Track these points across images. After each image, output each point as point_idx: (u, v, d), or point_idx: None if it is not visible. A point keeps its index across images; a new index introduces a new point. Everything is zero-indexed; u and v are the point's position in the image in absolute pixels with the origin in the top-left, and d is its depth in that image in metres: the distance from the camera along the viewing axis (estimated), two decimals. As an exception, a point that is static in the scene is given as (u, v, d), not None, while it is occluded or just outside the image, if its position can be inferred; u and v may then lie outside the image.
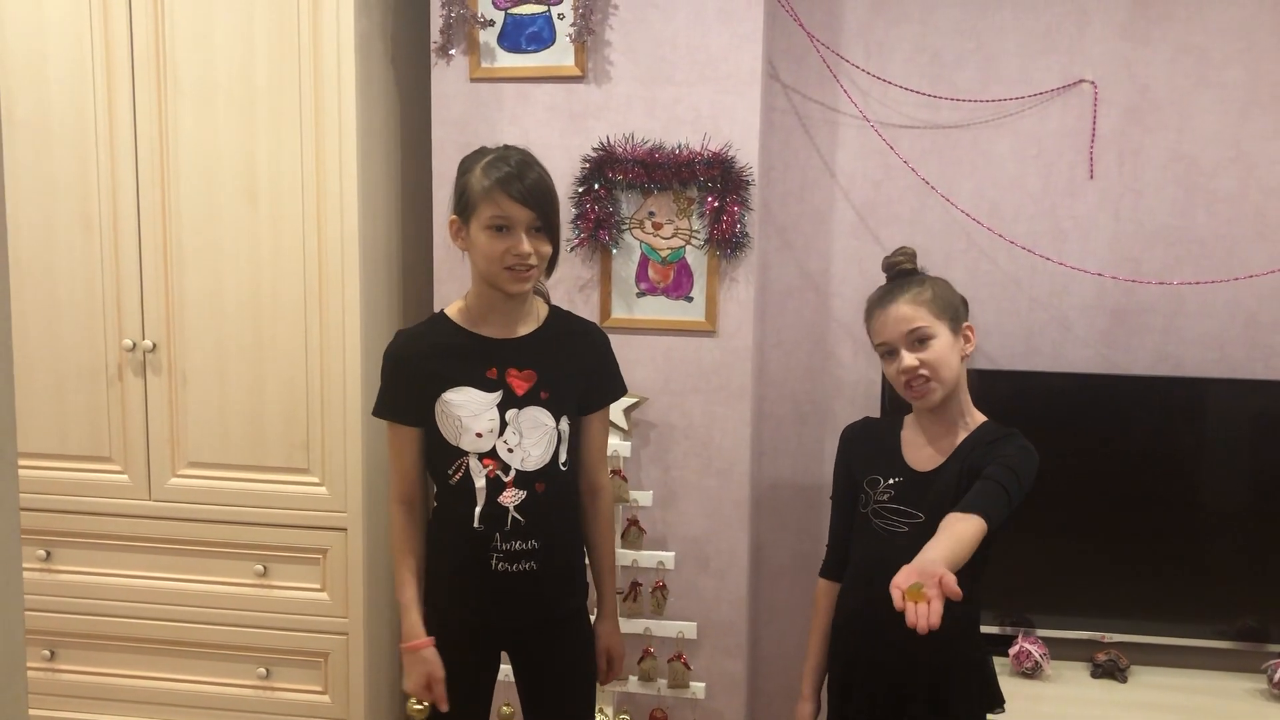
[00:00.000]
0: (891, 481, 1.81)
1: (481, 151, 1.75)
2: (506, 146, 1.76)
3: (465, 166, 1.74)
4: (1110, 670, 2.39)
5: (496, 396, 1.74)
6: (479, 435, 1.74)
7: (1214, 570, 2.35)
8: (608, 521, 1.93)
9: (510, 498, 1.75)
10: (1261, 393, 2.33)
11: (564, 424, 1.79)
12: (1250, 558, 2.34)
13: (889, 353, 1.79)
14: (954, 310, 1.79)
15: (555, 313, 1.86)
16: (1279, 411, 2.31)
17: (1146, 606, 2.38)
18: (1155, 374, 2.42)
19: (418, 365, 1.77)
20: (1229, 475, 2.36)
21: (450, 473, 1.76)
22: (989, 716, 1.86)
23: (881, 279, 2.51)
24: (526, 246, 1.68)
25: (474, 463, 1.75)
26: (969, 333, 1.80)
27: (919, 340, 1.75)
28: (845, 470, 1.92)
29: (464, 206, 1.71)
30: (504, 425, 1.74)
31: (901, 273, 1.85)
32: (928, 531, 1.73)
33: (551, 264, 1.77)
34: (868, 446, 1.89)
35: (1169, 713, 2.24)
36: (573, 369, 1.82)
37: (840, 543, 1.93)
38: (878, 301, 1.82)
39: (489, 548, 1.76)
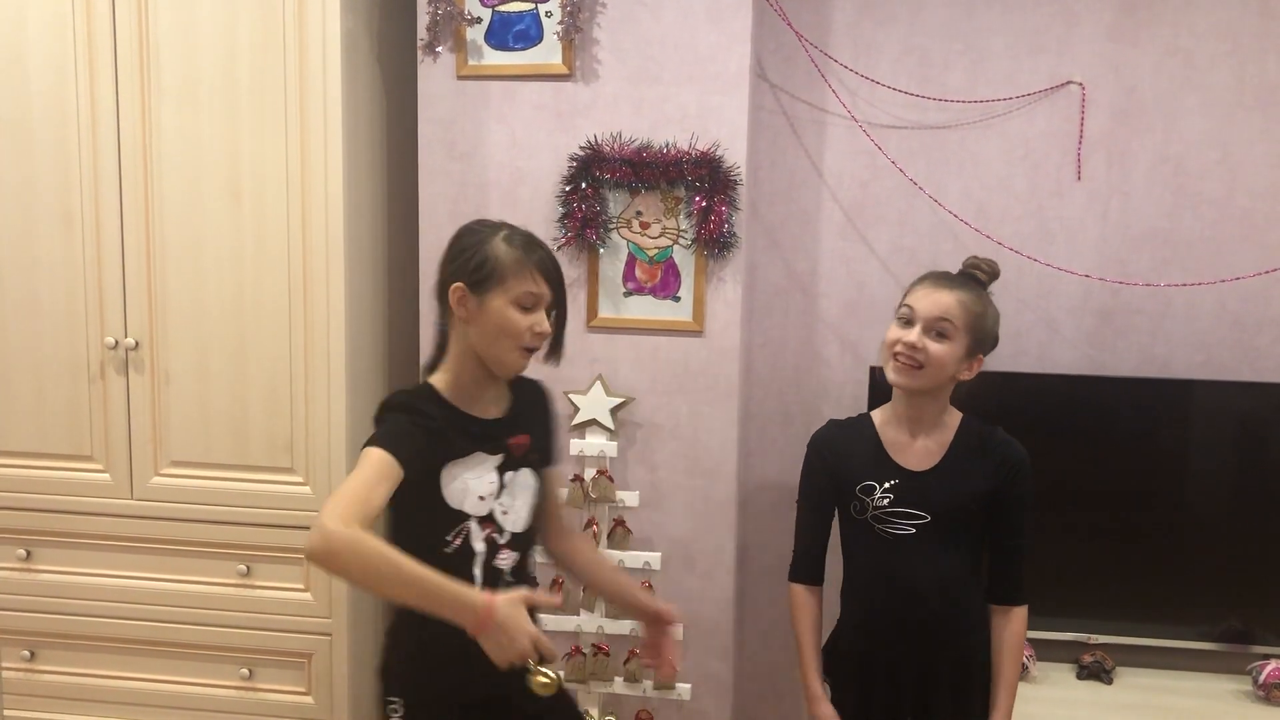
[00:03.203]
0: (888, 485, 1.83)
1: (488, 224, 1.66)
2: (510, 224, 1.68)
3: (481, 237, 1.64)
4: (1096, 672, 2.39)
5: (499, 459, 1.68)
6: (481, 499, 1.66)
7: (1199, 572, 2.36)
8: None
9: (505, 560, 1.68)
10: (1247, 394, 2.34)
11: (539, 483, 1.75)
12: (1235, 559, 2.34)
13: (906, 321, 1.80)
14: (980, 336, 1.81)
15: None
16: (1264, 413, 2.32)
17: (1132, 608, 2.38)
18: (1141, 375, 2.42)
19: (430, 427, 1.63)
20: (1215, 477, 2.36)
21: (450, 539, 1.64)
22: None
23: (868, 278, 2.54)
24: (549, 326, 1.64)
25: (474, 527, 1.66)
26: (976, 364, 1.83)
27: (938, 332, 1.77)
28: (826, 476, 1.91)
29: (485, 277, 1.61)
30: (501, 488, 1.68)
31: (971, 276, 1.86)
32: (935, 529, 1.81)
33: (554, 346, 1.71)
34: (850, 451, 1.89)
35: (1154, 714, 2.24)
36: (545, 428, 1.80)
37: (811, 547, 1.94)
38: (934, 278, 1.83)
39: None
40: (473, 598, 1.43)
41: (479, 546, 1.66)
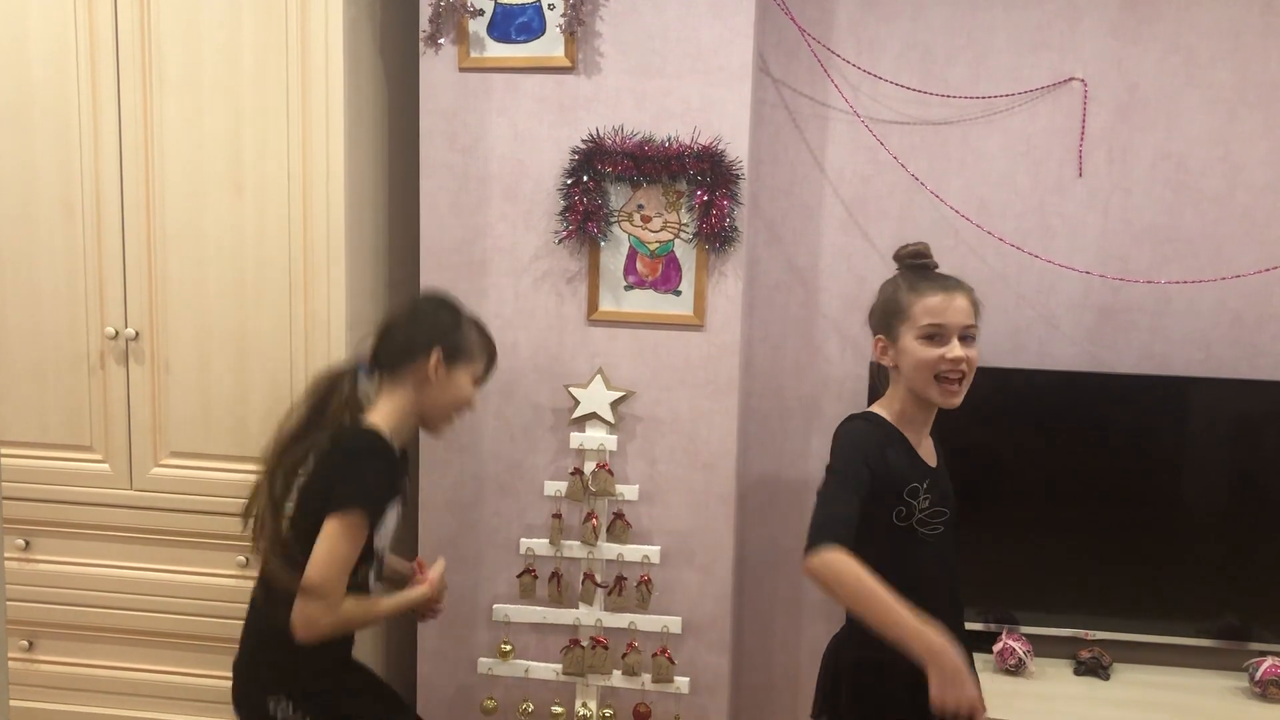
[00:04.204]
0: (927, 485, 1.76)
1: (455, 303, 1.97)
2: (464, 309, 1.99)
3: (459, 317, 1.93)
4: (1093, 668, 2.39)
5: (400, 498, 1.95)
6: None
7: (1197, 569, 2.36)
8: None
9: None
10: (1246, 392, 2.34)
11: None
12: (1233, 556, 2.35)
13: (933, 337, 1.72)
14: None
15: None
16: (1263, 411, 2.32)
17: (1129, 604, 2.39)
18: (1141, 372, 2.42)
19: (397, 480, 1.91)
20: (1213, 474, 2.37)
21: (366, 575, 1.87)
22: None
23: (869, 273, 2.53)
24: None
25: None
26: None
27: (968, 339, 1.74)
28: (881, 467, 1.72)
29: (460, 353, 1.90)
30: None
31: (928, 266, 1.82)
32: (952, 523, 1.82)
33: None
34: (892, 451, 1.76)
35: (1151, 710, 2.25)
36: None
37: (845, 514, 1.64)
38: (942, 286, 1.75)
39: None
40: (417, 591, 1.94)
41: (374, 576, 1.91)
